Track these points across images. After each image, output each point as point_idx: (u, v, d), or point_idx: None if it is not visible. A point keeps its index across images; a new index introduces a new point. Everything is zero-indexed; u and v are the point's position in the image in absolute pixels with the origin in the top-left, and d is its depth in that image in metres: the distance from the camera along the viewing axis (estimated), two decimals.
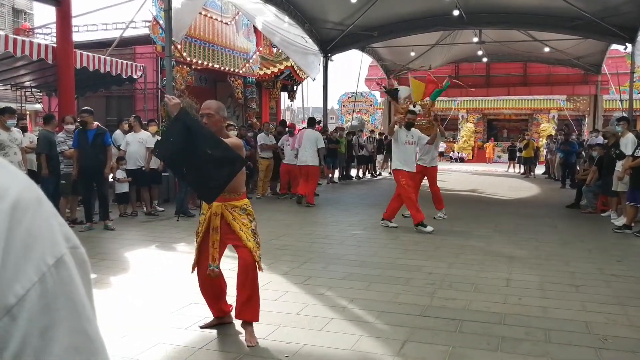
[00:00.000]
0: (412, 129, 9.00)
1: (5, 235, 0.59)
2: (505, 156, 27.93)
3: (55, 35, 11.70)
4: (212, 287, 4.24)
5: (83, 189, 8.70)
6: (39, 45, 10.60)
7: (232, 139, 4.21)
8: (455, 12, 15.53)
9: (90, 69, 11.82)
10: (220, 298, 4.35)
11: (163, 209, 10.39)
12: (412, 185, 8.91)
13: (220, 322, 4.35)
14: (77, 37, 13.03)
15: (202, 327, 4.28)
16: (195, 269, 4.25)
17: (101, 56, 12.32)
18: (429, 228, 8.52)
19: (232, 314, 4.29)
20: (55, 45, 11.01)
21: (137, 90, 15.06)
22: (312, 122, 12.76)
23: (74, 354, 0.62)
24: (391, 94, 12.47)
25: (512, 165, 24.82)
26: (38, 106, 17.53)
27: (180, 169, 4.01)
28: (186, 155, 3.74)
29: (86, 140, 8.43)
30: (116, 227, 8.68)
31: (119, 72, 12.87)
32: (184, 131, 3.71)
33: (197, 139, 3.69)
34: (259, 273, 4.12)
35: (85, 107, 8.93)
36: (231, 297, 4.32)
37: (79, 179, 8.56)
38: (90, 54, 11.94)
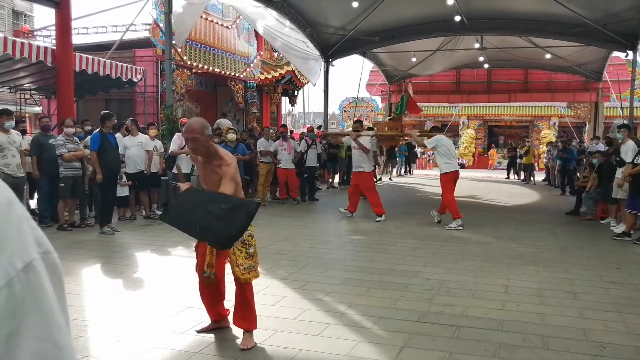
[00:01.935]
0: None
1: None
2: (506, 163, 27.86)
3: (55, 37, 11.69)
4: (211, 290, 4.23)
5: (104, 191, 8.67)
6: (38, 47, 10.59)
7: (223, 154, 4.05)
8: (457, 18, 15.50)
9: (90, 71, 11.81)
10: (218, 302, 4.35)
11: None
12: (352, 184, 10.64)
13: (217, 326, 4.34)
14: (76, 39, 13.01)
15: (198, 332, 4.27)
16: (197, 271, 4.25)
17: (101, 59, 12.32)
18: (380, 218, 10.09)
19: (230, 318, 4.28)
20: (54, 47, 11.00)
21: (137, 93, 15.04)
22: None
23: None
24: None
25: (512, 172, 24.76)
26: (37, 109, 17.51)
27: (194, 228, 3.86)
28: (199, 215, 3.76)
29: (110, 144, 8.61)
30: (115, 230, 8.67)
31: (118, 75, 12.86)
32: (195, 198, 3.92)
33: (210, 201, 3.79)
34: (259, 277, 4.17)
35: (108, 111, 8.93)
36: (230, 301, 4.31)
37: (103, 182, 8.54)
38: (90, 57, 11.93)
